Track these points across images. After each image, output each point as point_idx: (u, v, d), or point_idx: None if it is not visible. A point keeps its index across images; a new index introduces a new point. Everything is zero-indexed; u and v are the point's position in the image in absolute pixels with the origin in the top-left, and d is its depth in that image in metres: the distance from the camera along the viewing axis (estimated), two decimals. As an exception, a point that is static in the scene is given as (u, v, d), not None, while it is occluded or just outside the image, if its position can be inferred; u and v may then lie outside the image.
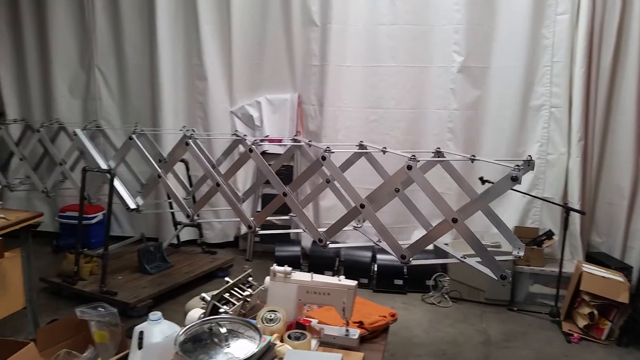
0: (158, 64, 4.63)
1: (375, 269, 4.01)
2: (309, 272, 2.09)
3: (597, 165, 4.04)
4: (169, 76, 4.68)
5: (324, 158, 2.75)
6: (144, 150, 3.61)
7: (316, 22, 4.33)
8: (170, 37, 4.63)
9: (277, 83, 4.62)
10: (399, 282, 3.94)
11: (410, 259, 2.67)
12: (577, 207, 3.86)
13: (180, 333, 1.53)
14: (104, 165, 3.71)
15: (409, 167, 2.55)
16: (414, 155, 2.57)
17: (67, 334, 2.48)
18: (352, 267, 3.98)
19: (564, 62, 3.92)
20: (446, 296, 3.86)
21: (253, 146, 3.02)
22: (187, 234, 4.81)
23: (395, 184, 2.94)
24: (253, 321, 1.70)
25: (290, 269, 2.03)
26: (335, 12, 4.19)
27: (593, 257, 3.95)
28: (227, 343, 1.50)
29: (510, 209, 4.19)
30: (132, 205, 3.63)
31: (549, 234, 3.91)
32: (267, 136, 4.60)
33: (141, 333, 1.58)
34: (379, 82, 4.24)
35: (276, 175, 2.95)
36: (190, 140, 3.29)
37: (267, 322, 1.84)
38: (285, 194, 2.90)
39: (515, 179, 2.26)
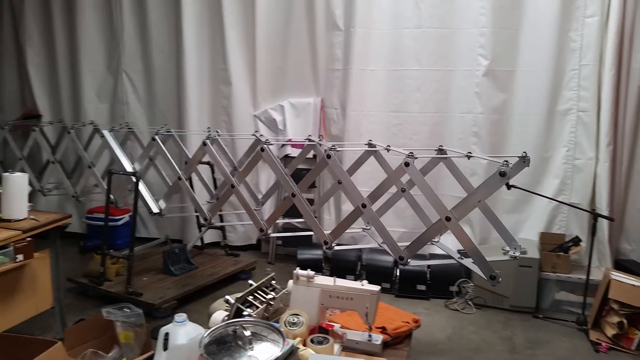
0: (184, 68, 4.70)
1: (398, 273, 3.98)
2: (330, 275, 2.10)
3: (626, 170, 3.94)
4: (194, 81, 4.74)
5: (329, 156, 2.76)
6: (166, 151, 3.66)
7: (340, 26, 4.33)
8: (196, 42, 4.70)
9: (300, 87, 4.65)
10: (422, 287, 3.91)
11: (408, 260, 2.72)
12: (605, 213, 3.77)
13: (205, 335, 1.54)
14: (129, 168, 3.77)
15: (407, 164, 2.60)
16: (412, 152, 2.59)
17: (93, 334, 2.53)
18: (374, 272, 3.96)
19: (593, 65, 3.84)
20: (470, 302, 3.81)
21: (265, 145, 3.04)
22: (210, 237, 4.86)
23: (395, 182, 2.93)
24: (276, 324, 1.71)
25: (313, 272, 2.03)
26: (359, 16, 4.19)
27: (622, 264, 3.85)
28: (251, 346, 1.51)
29: (536, 214, 4.12)
30: (155, 210, 3.69)
31: (576, 241, 3.84)
32: (289, 140, 4.62)
33: (167, 334, 1.60)
34: (402, 85, 4.22)
35: (286, 176, 2.95)
36: (207, 141, 3.34)
37: (290, 326, 1.85)
38: (294, 195, 2.92)
39: (504, 174, 2.31)
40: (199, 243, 4.70)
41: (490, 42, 3.98)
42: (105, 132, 3.89)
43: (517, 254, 2.89)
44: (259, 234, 3.17)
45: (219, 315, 1.96)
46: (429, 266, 3.95)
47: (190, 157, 3.93)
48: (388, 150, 3.04)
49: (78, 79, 5.10)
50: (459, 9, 4.03)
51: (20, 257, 2.66)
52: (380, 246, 2.80)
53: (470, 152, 2.94)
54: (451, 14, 4.05)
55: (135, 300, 3.42)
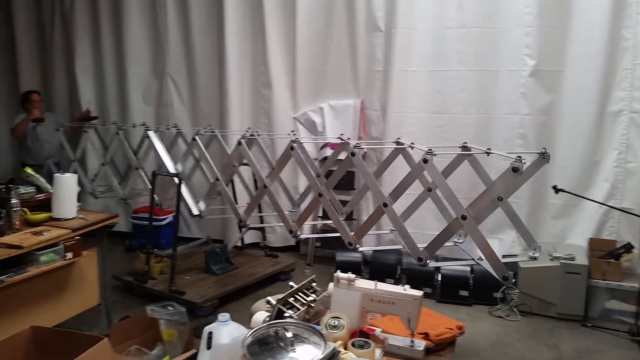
0: (226, 72, 4.77)
1: (439, 278, 3.90)
2: (369, 279, 2.07)
3: (681, 174, 3.75)
4: (236, 84, 4.81)
5: (353, 154, 2.77)
6: (205, 152, 3.72)
7: (381, 27, 4.30)
8: (238, 45, 4.77)
9: (340, 89, 4.64)
10: (465, 293, 3.82)
11: (428, 261, 2.68)
12: (660, 218, 3.60)
13: (248, 335, 1.55)
14: (173, 170, 3.85)
15: (425, 161, 2.57)
16: (431, 149, 2.57)
17: (137, 331, 2.58)
18: (415, 276, 3.89)
19: (647, 65, 3.67)
20: (515, 309, 3.70)
21: (294, 144, 3.05)
22: (250, 237, 4.91)
23: (417, 179, 2.93)
24: (318, 327, 1.70)
25: (354, 276, 2.01)
26: (400, 17, 4.15)
27: (678, 273, 3.66)
28: (292, 348, 1.51)
29: (585, 219, 3.97)
30: (195, 212, 3.76)
31: (628, 247, 3.67)
32: (327, 144, 4.62)
33: (210, 333, 1.62)
34: (445, 86, 4.15)
35: (314, 176, 3.00)
36: (242, 140, 3.37)
37: (330, 329, 1.84)
38: (320, 195, 2.95)
39: (516, 170, 2.30)
40: (239, 243, 4.75)
41: (536, 42, 3.86)
42: (151, 133, 3.97)
43: (537, 254, 2.86)
44: (291, 235, 3.20)
45: (260, 315, 1.96)
46: (472, 272, 3.85)
47: (232, 158, 3.97)
48: (412, 147, 2.99)
49: (124, 83, 5.26)
50: (503, 8, 3.92)
51: (69, 255, 2.76)
52: (404, 247, 2.75)
53: (489, 149, 2.91)
54: (496, 13, 3.95)
55: (178, 299, 3.48)
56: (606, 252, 3.67)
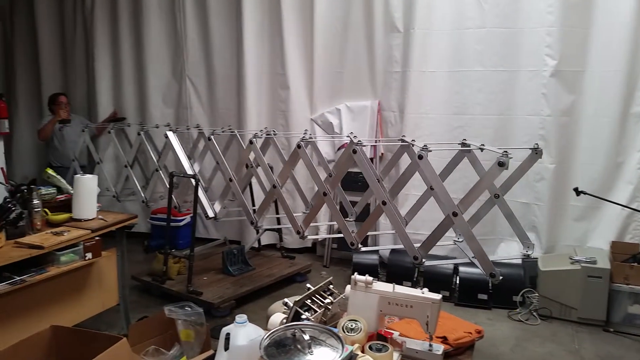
0: (244, 74, 4.80)
1: (458, 281, 3.86)
2: (386, 281, 2.05)
3: None
4: (253, 85, 4.83)
5: (354, 151, 2.91)
6: (220, 152, 3.73)
7: (399, 28, 4.28)
8: (256, 48, 4.79)
9: (357, 90, 4.62)
10: (484, 296, 3.77)
11: (423, 260, 2.84)
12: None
13: (265, 337, 1.55)
14: (190, 171, 3.87)
15: (420, 157, 2.70)
16: (426, 146, 2.67)
17: (155, 331, 2.60)
18: (433, 279, 3.86)
19: (672, 65, 3.59)
20: (534, 313, 3.65)
21: (301, 142, 3.06)
22: (267, 239, 4.92)
23: (412, 174, 3.12)
24: (335, 330, 1.69)
25: (371, 278, 2.00)
26: (418, 17, 4.12)
27: None
28: (310, 350, 1.50)
29: (607, 222, 3.89)
30: (210, 214, 3.78)
31: (652, 251, 3.59)
32: (344, 145, 4.60)
33: (228, 335, 1.62)
34: (464, 87, 4.10)
35: (318, 175, 3.07)
36: (254, 140, 3.42)
37: (348, 332, 1.82)
38: (325, 194, 3.01)
39: (502, 164, 2.46)
40: (256, 245, 4.77)
41: (558, 42, 3.79)
42: (170, 134, 3.98)
43: (530, 252, 3.02)
44: (298, 236, 3.28)
45: (277, 317, 1.96)
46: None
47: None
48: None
49: (144, 85, 5.31)
50: (525, 8, 3.87)
51: (89, 255, 2.79)
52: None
53: (483, 145, 3.04)
54: (517, 13, 3.89)
55: (195, 299, 3.51)
56: (629, 256, 3.60)
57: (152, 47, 5.23)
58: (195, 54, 5.13)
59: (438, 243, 2.81)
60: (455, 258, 4.03)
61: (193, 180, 3.73)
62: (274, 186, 3.30)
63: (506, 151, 2.38)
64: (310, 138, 3.35)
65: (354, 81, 4.62)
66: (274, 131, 3.85)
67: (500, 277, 2.65)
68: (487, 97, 4.06)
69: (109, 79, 5.51)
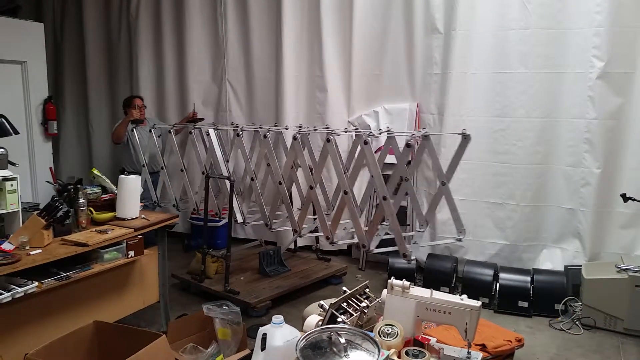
0: (282, 77, 4.83)
1: (497, 288, 3.77)
2: (423, 286, 2.02)
3: None
4: (291, 89, 4.86)
5: (365, 142, 3.05)
6: (246, 148, 3.73)
7: (439, 29, 4.22)
8: (295, 51, 4.82)
9: (395, 92, 4.58)
10: (524, 304, 3.67)
11: (364, 245, 3.15)
12: None
13: (301, 339, 1.55)
14: (225, 172, 3.91)
15: (365, 142, 3.00)
16: (372, 132, 3.03)
17: (194, 329, 2.65)
18: (472, 285, 3.78)
19: None
20: (577, 322, 3.53)
21: (331, 137, 3.18)
22: (303, 240, 4.93)
23: (361, 163, 3.40)
24: (371, 334, 1.67)
25: (408, 283, 1.97)
26: (460, 18, 4.05)
27: None
28: (346, 353, 1.49)
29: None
30: (240, 219, 3.85)
31: None
32: (381, 147, 4.57)
33: (265, 335, 1.63)
34: (506, 89, 4.00)
35: (343, 170, 3.19)
36: (297, 135, 3.43)
37: (384, 336, 1.81)
38: (346, 192, 3.13)
39: (409, 146, 3.10)
40: (292, 246, 4.79)
41: (606, 43, 3.65)
42: (211, 131, 3.99)
43: (461, 236, 3.48)
44: (326, 240, 3.40)
45: (313, 319, 1.96)
46: (532, 282, 3.70)
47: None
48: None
49: (185, 89, 5.43)
50: (571, 8, 3.74)
51: (131, 253, 2.87)
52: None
53: (426, 131, 3.44)
54: (562, 13, 3.77)
55: (232, 298, 3.55)
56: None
57: (194, 51, 5.34)
58: (235, 57, 5.20)
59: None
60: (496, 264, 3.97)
61: (227, 182, 3.78)
62: (311, 187, 3.31)
63: (414, 133, 2.77)
64: (333, 131, 3.41)
65: (392, 83, 4.58)
66: (315, 127, 3.84)
67: (413, 258, 3.20)
68: (530, 99, 3.95)
69: (151, 82, 5.65)
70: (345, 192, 3.10)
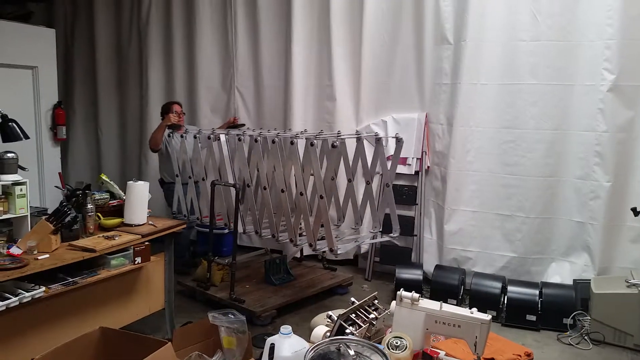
0: (291, 86, 4.85)
1: (505, 301, 3.73)
2: (430, 298, 1.99)
3: None
4: (300, 97, 4.88)
5: (334, 146, 3.28)
6: (245, 152, 3.73)
7: (449, 39, 4.21)
8: (304, 60, 4.84)
9: (404, 102, 4.58)
10: (532, 317, 3.63)
11: (339, 250, 3.41)
12: None
13: (310, 350, 1.53)
14: (231, 179, 3.90)
15: (312, 144, 3.25)
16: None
17: (199, 337, 2.62)
18: (479, 298, 3.74)
19: None
20: (586, 337, 3.48)
21: (336, 142, 3.33)
22: (309, 249, 4.89)
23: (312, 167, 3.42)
24: (380, 346, 1.65)
25: (417, 295, 1.94)
26: (470, 29, 4.04)
27: None
28: (354, 366, 1.47)
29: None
30: (240, 229, 3.86)
31: None
32: (389, 157, 4.55)
33: (272, 345, 1.61)
34: (516, 100, 3.98)
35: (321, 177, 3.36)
36: (315, 141, 3.44)
37: (393, 349, 1.78)
38: (322, 197, 3.26)
39: (334, 146, 3.31)
40: (298, 255, 4.76)
41: (617, 55, 3.64)
42: (222, 137, 3.98)
43: (395, 234, 3.91)
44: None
45: (320, 330, 1.94)
46: (540, 296, 3.66)
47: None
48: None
49: (195, 95, 5.45)
50: (582, 20, 3.73)
51: (138, 259, 2.86)
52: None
53: (340, 133, 3.75)
54: (573, 25, 3.76)
55: (237, 307, 3.53)
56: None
57: (203, 58, 5.37)
58: (244, 65, 5.23)
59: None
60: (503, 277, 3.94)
61: (233, 189, 3.77)
62: (321, 197, 3.31)
63: (339, 132, 3.28)
64: (340, 134, 3.62)
65: (401, 93, 4.58)
66: (321, 131, 3.87)
67: (339, 251, 3.43)
68: (540, 111, 3.93)
69: (161, 88, 5.68)
70: (321, 197, 3.30)
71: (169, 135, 4.43)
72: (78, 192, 2.95)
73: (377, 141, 3.78)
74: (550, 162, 3.95)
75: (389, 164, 4.54)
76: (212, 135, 3.97)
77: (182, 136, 4.17)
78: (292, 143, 3.43)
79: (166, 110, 4.61)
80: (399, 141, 3.73)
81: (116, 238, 2.78)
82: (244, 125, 5.02)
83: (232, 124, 5.00)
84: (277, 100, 5.08)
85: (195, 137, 4.08)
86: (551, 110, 3.90)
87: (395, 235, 3.89)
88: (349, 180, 3.88)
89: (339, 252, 3.44)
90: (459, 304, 3.85)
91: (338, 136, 3.66)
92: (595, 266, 3.85)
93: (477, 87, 4.09)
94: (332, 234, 3.37)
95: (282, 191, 3.54)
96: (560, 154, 3.90)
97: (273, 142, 3.52)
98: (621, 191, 3.76)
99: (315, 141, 3.32)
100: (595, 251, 3.85)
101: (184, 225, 3.32)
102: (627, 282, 3.43)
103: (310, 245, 3.50)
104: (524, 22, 3.90)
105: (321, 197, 3.33)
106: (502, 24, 3.97)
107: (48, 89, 5.09)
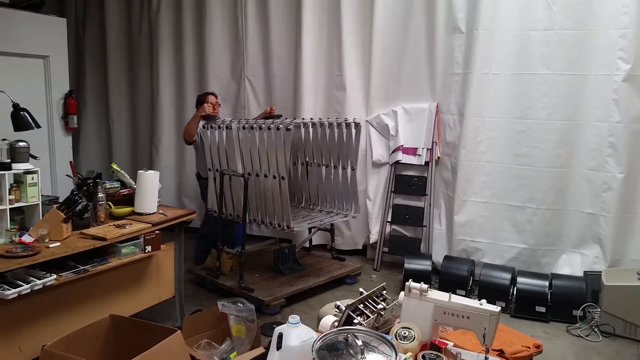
0: (301, 75, 4.83)
1: (515, 292, 3.72)
2: (439, 289, 1.99)
3: None
4: (310, 87, 4.85)
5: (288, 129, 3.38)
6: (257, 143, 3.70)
7: (461, 29, 4.16)
8: (314, 49, 4.80)
9: (415, 92, 4.54)
10: (541, 309, 3.61)
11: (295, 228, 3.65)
12: None
13: (318, 340, 1.53)
14: (240, 169, 3.90)
15: (288, 129, 3.41)
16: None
17: (208, 325, 2.66)
18: (488, 289, 3.73)
19: None
20: (596, 329, 3.46)
21: (290, 125, 3.42)
22: (318, 239, 4.92)
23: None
24: (388, 337, 1.65)
25: (426, 286, 1.94)
26: (482, 18, 3.98)
27: None
28: (362, 356, 1.48)
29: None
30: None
31: None
32: (399, 147, 4.54)
33: (280, 335, 1.62)
34: (528, 90, 3.93)
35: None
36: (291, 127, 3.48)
37: (401, 339, 1.78)
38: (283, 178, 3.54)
39: (289, 129, 3.41)
40: (307, 244, 4.78)
41: (633, 44, 3.57)
42: (234, 126, 3.86)
43: (353, 214, 4.22)
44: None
45: (328, 319, 1.95)
46: (550, 287, 3.64)
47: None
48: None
49: (204, 84, 5.44)
50: (597, 9, 3.65)
51: (148, 248, 2.88)
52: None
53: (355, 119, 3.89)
54: (588, 14, 3.68)
55: (247, 295, 3.55)
56: None
57: (214, 47, 5.35)
58: (254, 55, 5.21)
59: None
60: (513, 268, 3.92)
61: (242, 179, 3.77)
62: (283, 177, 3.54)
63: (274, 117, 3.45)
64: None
65: (412, 83, 4.54)
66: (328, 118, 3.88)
67: (295, 230, 3.73)
68: (553, 101, 3.87)
69: (170, 78, 5.68)
70: (283, 178, 3.56)
71: (203, 127, 4.13)
72: (89, 181, 2.98)
73: (347, 126, 4.16)
74: (562, 153, 3.90)
75: (398, 154, 4.56)
76: (246, 126, 3.81)
77: (211, 127, 3.97)
78: (260, 128, 3.66)
79: (201, 100, 4.42)
80: (356, 126, 4.13)
81: (127, 227, 2.80)
82: (281, 116, 4.69)
83: (269, 115, 4.67)
84: (287, 90, 5.07)
85: (210, 127, 3.97)
86: (564, 100, 3.84)
87: (353, 214, 4.26)
88: (326, 166, 4.30)
89: (294, 229, 3.76)
90: (468, 294, 3.84)
91: (292, 121, 3.94)
92: (607, 258, 3.81)
93: (489, 76, 4.03)
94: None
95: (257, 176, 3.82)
96: (573, 144, 3.85)
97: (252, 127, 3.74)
98: (634, 183, 3.72)
99: (281, 126, 3.54)
100: (607, 243, 3.81)
101: (194, 215, 3.33)
102: (639, 274, 3.40)
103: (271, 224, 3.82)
104: (538, 11, 3.82)
105: (282, 178, 3.60)
106: (516, 13, 3.90)
107: (59, 78, 5.11)
